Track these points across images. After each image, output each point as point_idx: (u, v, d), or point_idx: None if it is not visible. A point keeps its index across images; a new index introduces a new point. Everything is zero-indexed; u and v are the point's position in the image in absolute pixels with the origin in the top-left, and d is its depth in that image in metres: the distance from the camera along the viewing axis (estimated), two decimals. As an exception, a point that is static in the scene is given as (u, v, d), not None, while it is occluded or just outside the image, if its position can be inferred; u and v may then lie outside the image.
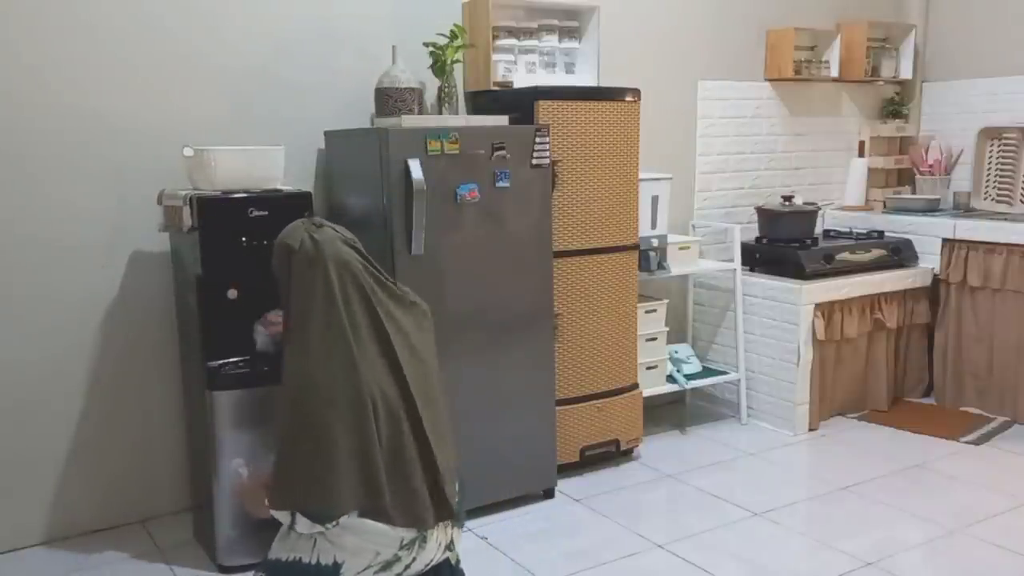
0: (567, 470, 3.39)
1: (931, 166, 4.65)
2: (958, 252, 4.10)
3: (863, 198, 4.71)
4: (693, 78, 4.19)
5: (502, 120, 3.10)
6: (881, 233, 4.32)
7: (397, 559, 2.09)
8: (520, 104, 3.20)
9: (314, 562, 2.04)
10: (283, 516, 2.05)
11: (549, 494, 3.27)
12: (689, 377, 3.94)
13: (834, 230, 4.46)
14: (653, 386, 3.75)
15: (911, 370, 4.35)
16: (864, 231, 4.35)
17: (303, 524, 2.02)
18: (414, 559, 2.12)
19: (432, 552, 2.15)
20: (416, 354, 2.23)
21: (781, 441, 3.84)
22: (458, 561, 2.33)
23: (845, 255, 4.03)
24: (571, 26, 3.72)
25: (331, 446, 2.02)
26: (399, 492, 2.08)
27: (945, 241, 4.15)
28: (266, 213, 2.73)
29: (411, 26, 3.38)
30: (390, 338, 2.17)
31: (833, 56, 4.43)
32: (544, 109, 3.17)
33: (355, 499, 2.02)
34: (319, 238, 2.18)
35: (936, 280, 4.23)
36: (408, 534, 2.09)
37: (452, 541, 2.23)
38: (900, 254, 4.19)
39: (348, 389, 2.06)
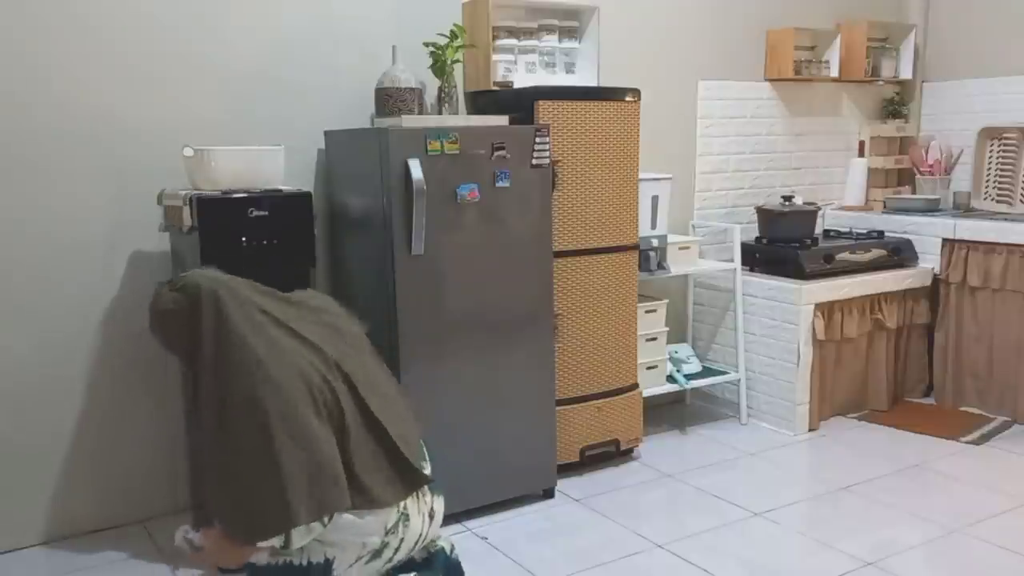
0: (567, 470, 3.39)
1: (931, 166, 4.65)
2: (958, 252, 4.10)
3: (863, 198, 4.71)
4: (693, 78, 4.19)
5: (502, 120, 3.10)
6: (881, 233, 4.32)
7: (385, 545, 2.09)
8: (520, 104, 3.20)
9: (305, 563, 2.03)
10: (272, 542, 1.98)
11: (549, 494, 3.27)
12: (689, 377, 3.94)
13: (834, 230, 4.46)
14: (653, 386, 3.75)
15: (911, 370, 4.35)
16: (864, 231, 4.35)
17: (297, 539, 1.97)
18: (402, 540, 2.11)
19: (418, 527, 2.13)
20: (335, 329, 2.20)
21: (781, 441, 3.84)
22: (453, 549, 2.33)
23: (845, 255, 4.03)
24: (571, 26, 3.72)
25: (274, 467, 1.94)
26: (363, 473, 2.04)
27: (945, 241, 4.15)
28: (266, 213, 2.74)
29: (411, 26, 3.38)
30: (295, 329, 2.13)
31: (833, 56, 4.43)
32: (544, 109, 3.17)
33: (317, 508, 1.97)
34: (182, 283, 2.13)
35: (936, 280, 4.23)
36: (390, 517, 2.08)
37: (433, 509, 2.20)
38: (900, 254, 4.19)
39: (274, 397, 1.98)
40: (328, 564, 2.04)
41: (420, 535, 2.16)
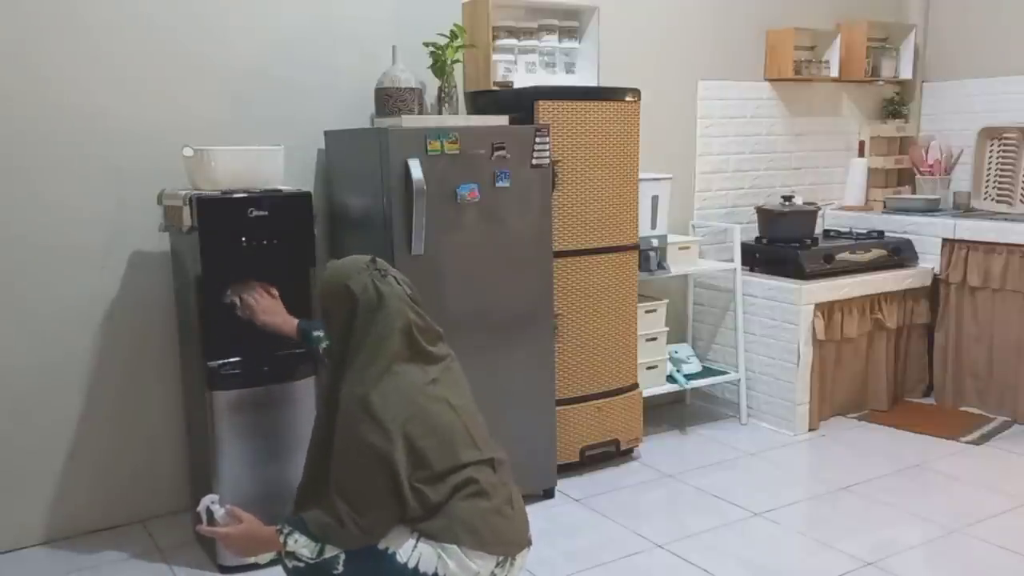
0: (567, 470, 3.39)
1: (931, 166, 4.65)
2: (958, 252, 4.10)
3: (863, 198, 4.71)
4: (693, 78, 4.19)
5: (502, 120, 3.10)
6: (881, 233, 4.32)
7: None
8: (520, 104, 3.19)
9: (412, 565, 1.98)
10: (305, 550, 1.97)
11: (549, 494, 3.27)
12: (689, 377, 3.93)
13: (834, 230, 4.46)
14: (653, 386, 3.75)
15: (911, 370, 4.35)
16: (864, 231, 4.35)
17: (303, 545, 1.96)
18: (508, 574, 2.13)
19: (519, 570, 2.15)
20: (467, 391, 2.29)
21: (781, 441, 3.84)
22: None
23: (845, 255, 4.03)
24: (571, 26, 3.72)
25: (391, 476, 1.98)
26: (496, 518, 2.09)
27: (945, 241, 4.15)
28: (266, 213, 2.73)
29: (411, 26, 3.38)
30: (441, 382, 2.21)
31: (833, 56, 4.43)
32: (544, 109, 3.17)
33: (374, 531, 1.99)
34: (384, 291, 2.10)
35: (936, 280, 4.23)
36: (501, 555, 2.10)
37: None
38: (900, 254, 4.19)
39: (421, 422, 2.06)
40: None
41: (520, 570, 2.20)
